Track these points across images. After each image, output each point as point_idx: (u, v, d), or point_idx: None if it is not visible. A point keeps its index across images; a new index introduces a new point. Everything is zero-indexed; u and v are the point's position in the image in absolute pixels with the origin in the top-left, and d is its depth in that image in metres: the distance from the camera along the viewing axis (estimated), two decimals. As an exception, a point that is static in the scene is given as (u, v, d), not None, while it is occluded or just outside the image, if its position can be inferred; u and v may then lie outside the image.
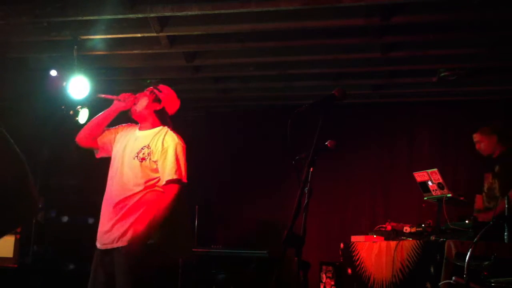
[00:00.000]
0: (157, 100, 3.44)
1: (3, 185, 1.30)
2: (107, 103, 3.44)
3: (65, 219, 6.44)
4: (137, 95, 3.46)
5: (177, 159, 3.22)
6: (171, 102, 3.50)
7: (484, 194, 4.76)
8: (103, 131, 3.48)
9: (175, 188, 3.19)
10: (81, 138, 3.46)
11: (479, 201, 4.85)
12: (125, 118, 3.50)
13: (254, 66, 5.73)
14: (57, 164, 6.29)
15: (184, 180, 3.23)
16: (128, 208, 3.16)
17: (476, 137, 4.79)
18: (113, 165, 3.35)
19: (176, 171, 3.20)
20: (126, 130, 3.48)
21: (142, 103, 3.41)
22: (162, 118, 3.43)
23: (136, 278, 3.07)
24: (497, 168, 4.65)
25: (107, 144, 3.45)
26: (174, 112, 3.53)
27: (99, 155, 3.50)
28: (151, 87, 3.50)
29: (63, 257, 6.39)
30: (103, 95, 3.47)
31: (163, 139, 3.28)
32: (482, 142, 4.74)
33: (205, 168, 6.68)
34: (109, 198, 3.27)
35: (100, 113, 3.48)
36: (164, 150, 3.23)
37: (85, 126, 3.49)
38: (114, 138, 3.45)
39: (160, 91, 3.46)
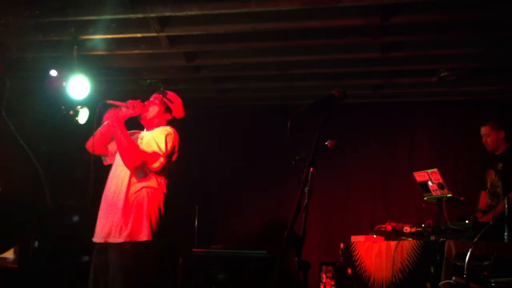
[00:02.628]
0: (168, 110, 3.53)
1: (17, 197, 1.31)
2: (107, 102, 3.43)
3: (65, 218, 6.43)
4: (146, 102, 3.51)
5: (164, 140, 3.29)
6: (180, 111, 3.62)
7: (487, 190, 4.74)
8: (112, 138, 3.50)
9: (157, 156, 3.24)
10: (91, 145, 3.47)
11: (484, 198, 4.83)
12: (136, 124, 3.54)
13: (254, 66, 5.74)
14: (57, 164, 6.28)
15: (164, 153, 3.24)
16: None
17: (485, 130, 4.77)
18: (112, 167, 3.42)
19: (158, 146, 3.27)
20: (133, 136, 3.51)
21: (153, 111, 3.50)
22: (170, 123, 3.54)
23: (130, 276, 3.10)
24: (500, 165, 4.64)
25: (116, 152, 3.46)
26: (181, 118, 3.63)
27: (107, 162, 3.53)
28: (160, 95, 3.55)
29: (63, 256, 6.39)
30: (111, 101, 3.49)
31: (154, 129, 3.42)
32: (490, 136, 4.72)
33: (205, 168, 6.69)
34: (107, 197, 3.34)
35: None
36: (151, 134, 3.36)
37: (95, 134, 3.48)
38: None
39: (171, 102, 3.53)
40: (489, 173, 4.75)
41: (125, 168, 3.27)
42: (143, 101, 3.53)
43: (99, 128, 3.49)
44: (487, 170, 4.81)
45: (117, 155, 3.39)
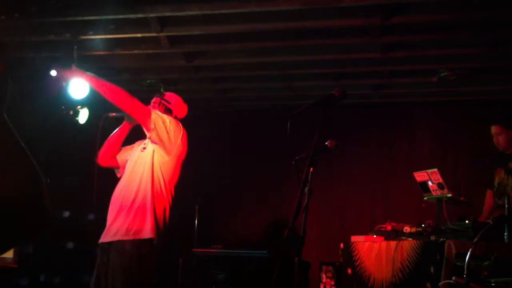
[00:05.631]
0: (168, 111, 3.52)
1: (17, 199, 1.29)
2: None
3: (65, 217, 6.44)
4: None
5: (166, 118, 3.32)
6: (180, 109, 3.62)
7: (494, 189, 4.69)
8: (120, 149, 3.53)
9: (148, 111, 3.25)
10: (100, 159, 3.52)
11: (490, 197, 4.75)
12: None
13: (254, 66, 5.73)
14: (57, 164, 6.29)
15: (149, 114, 3.23)
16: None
17: (495, 129, 4.67)
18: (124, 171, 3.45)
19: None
20: (139, 145, 3.53)
21: None
22: None
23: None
24: (511, 164, 4.58)
25: (126, 162, 3.46)
26: (184, 116, 3.62)
27: (120, 173, 3.51)
28: (158, 98, 3.55)
29: (63, 256, 6.40)
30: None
31: None
32: (500, 135, 4.63)
33: (205, 168, 6.68)
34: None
35: (114, 132, 3.51)
36: None
37: (102, 147, 3.52)
38: (131, 154, 3.48)
39: (169, 102, 3.52)
40: (498, 172, 4.67)
41: (135, 171, 3.29)
42: (144, 102, 3.54)
43: (109, 138, 3.53)
44: (496, 168, 4.71)
45: (128, 164, 3.40)
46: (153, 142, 3.27)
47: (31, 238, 4.62)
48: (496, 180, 4.67)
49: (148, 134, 3.28)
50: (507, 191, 4.54)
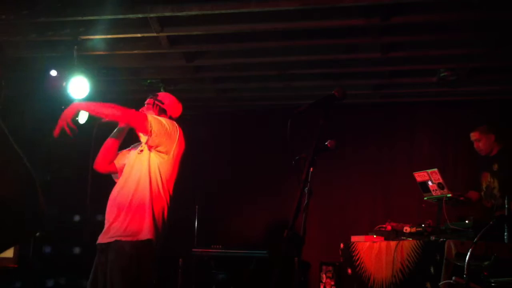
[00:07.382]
0: (163, 111, 3.50)
1: (9, 199, 1.29)
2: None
3: (64, 218, 6.44)
4: (140, 110, 3.49)
5: (160, 118, 3.32)
6: (175, 108, 3.59)
7: (483, 193, 4.74)
8: (117, 153, 3.51)
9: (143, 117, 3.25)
10: (98, 165, 3.49)
11: (473, 195, 4.84)
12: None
13: (254, 66, 5.73)
14: (57, 164, 6.29)
15: (145, 119, 3.23)
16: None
17: (474, 135, 4.78)
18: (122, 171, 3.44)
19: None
20: (137, 147, 3.52)
21: None
22: None
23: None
24: (495, 166, 4.64)
25: (123, 166, 3.46)
26: (178, 116, 3.60)
27: (118, 178, 3.47)
28: (152, 99, 3.53)
29: (63, 255, 6.40)
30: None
31: None
32: (480, 141, 4.74)
33: (205, 168, 6.69)
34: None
35: (109, 137, 3.50)
36: None
37: (99, 153, 3.49)
38: (129, 157, 3.47)
39: (162, 103, 3.50)
40: (484, 176, 4.75)
41: (133, 173, 3.29)
42: (143, 102, 3.53)
43: (106, 143, 3.50)
44: (481, 173, 4.81)
45: (125, 167, 3.40)
46: (150, 146, 3.26)
47: (26, 239, 4.62)
48: (484, 184, 4.72)
49: (144, 140, 3.27)
50: (494, 193, 4.58)
